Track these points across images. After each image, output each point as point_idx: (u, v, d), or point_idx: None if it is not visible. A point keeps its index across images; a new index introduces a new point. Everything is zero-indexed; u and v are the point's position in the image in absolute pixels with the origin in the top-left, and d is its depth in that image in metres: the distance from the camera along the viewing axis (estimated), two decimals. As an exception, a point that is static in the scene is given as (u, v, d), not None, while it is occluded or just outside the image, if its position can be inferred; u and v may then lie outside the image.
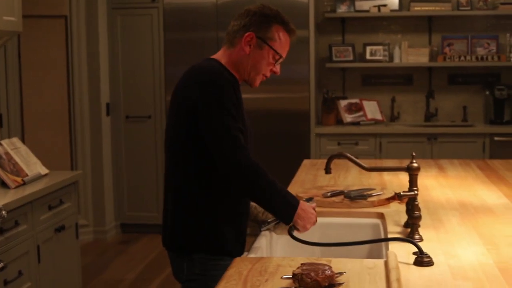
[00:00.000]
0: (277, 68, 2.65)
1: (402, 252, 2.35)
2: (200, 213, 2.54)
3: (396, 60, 6.54)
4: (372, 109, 6.61)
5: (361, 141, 6.29)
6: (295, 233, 2.53)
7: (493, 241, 2.50)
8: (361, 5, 6.53)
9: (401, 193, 2.55)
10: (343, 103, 6.62)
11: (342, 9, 6.55)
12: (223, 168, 2.44)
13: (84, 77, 6.28)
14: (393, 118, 6.69)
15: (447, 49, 6.49)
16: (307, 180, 3.79)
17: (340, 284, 1.98)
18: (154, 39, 6.41)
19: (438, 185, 3.60)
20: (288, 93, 6.33)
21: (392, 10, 6.48)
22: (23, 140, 5.91)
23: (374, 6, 6.47)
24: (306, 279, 1.93)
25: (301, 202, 2.54)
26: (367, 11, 6.50)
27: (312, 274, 1.93)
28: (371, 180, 3.73)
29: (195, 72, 2.55)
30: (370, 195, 3.15)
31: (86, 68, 6.29)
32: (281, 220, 2.55)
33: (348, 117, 6.55)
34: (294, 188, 3.55)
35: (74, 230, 4.23)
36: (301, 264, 2.02)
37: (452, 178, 3.80)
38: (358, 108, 6.60)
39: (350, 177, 3.83)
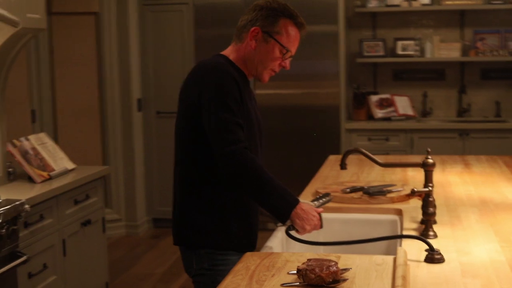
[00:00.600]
0: (286, 63, 2.63)
1: (415, 249, 2.34)
2: (206, 208, 2.55)
3: (428, 55, 6.48)
4: (403, 105, 6.56)
5: (391, 136, 6.24)
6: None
7: (509, 238, 2.47)
8: (392, 0, 6.47)
9: (415, 190, 2.53)
10: (374, 98, 6.58)
11: (373, 4, 6.50)
12: (219, 161, 2.45)
13: (115, 73, 6.34)
14: (425, 113, 6.63)
15: (479, 44, 6.41)
16: (330, 176, 3.78)
17: (345, 280, 1.98)
18: (185, 35, 6.45)
19: (461, 182, 3.56)
20: (318, 88, 6.31)
21: (423, 4, 6.42)
22: (55, 136, 6.02)
23: (405, 1, 6.41)
24: (310, 275, 1.93)
25: (303, 203, 2.48)
26: (398, 5, 6.44)
27: (317, 269, 1.93)
28: (394, 176, 3.71)
29: (199, 69, 2.56)
30: (390, 191, 3.13)
31: (117, 64, 6.35)
32: (277, 218, 2.48)
33: (379, 113, 6.51)
34: (315, 184, 3.55)
35: (101, 224, 4.28)
36: (308, 259, 2.02)
37: (476, 175, 3.75)
38: (389, 103, 6.55)
39: (373, 173, 3.81)
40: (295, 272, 2.00)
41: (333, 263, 1.97)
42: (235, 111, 2.46)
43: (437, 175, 3.76)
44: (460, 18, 6.53)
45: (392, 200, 3.06)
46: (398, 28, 6.65)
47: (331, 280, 1.93)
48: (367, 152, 2.71)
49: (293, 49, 2.63)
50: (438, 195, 3.19)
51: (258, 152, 2.66)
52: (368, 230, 2.91)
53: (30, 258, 3.32)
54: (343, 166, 2.86)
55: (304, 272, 1.94)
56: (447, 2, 6.40)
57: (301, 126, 6.32)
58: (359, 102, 6.56)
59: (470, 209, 2.94)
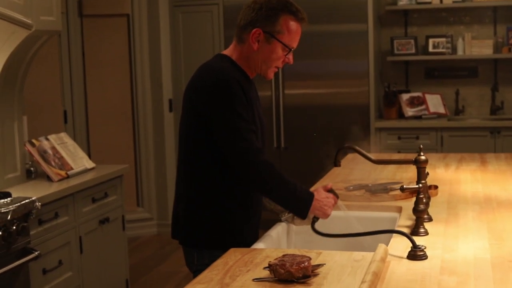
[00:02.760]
0: (290, 58, 2.65)
1: (403, 246, 2.33)
2: (211, 209, 2.60)
3: (460, 52, 6.39)
4: (435, 103, 6.48)
5: (422, 135, 6.18)
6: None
7: (500, 236, 2.44)
8: (423, -3, 6.41)
9: (404, 187, 2.52)
10: (405, 96, 6.52)
11: (403, 1, 6.44)
12: (239, 170, 2.51)
13: (147, 74, 6.43)
14: (457, 111, 6.53)
15: (512, 40, 6.29)
16: (342, 174, 3.77)
17: (316, 275, 1.99)
18: (215, 36, 6.50)
19: (472, 179, 3.52)
20: (348, 87, 6.27)
21: (454, 1, 6.33)
22: (87, 136, 6.14)
23: (436, -2, 6.35)
24: (280, 270, 1.94)
25: (315, 192, 2.60)
26: (429, 2, 6.38)
27: (287, 265, 1.94)
28: (406, 174, 3.67)
29: (204, 73, 2.59)
30: (393, 189, 3.12)
31: (149, 65, 6.44)
32: (298, 216, 2.62)
33: (409, 111, 6.45)
34: (324, 181, 3.56)
35: (120, 222, 4.35)
36: (283, 255, 2.04)
37: (489, 172, 3.70)
38: (421, 101, 6.48)
39: (385, 171, 3.78)
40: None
41: (306, 259, 1.98)
42: (246, 118, 2.50)
43: (449, 173, 3.73)
44: (492, 15, 6.43)
45: (395, 198, 3.05)
46: (429, 26, 6.58)
47: (300, 275, 1.94)
48: (360, 149, 2.72)
49: (294, 45, 2.65)
50: (443, 193, 3.17)
51: None
52: (368, 228, 2.89)
53: (42, 254, 3.40)
54: (336, 163, 2.86)
55: (274, 267, 1.96)
56: (479, -1, 6.31)
57: (331, 126, 6.30)
58: (389, 101, 6.51)
59: (471, 206, 2.90)
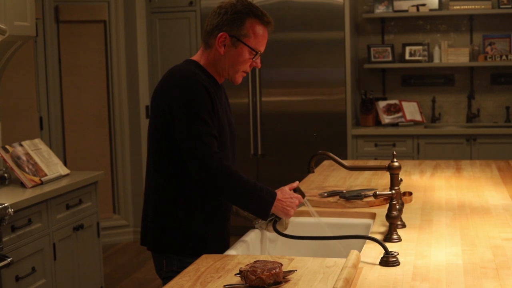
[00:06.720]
0: (257, 62, 2.65)
1: (376, 252, 2.33)
2: (181, 216, 2.57)
3: (436, 60, 6.43)
4: (411, 110, 6.52)
5: (398, 142, 6.20)
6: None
7: (473, 242, 2.45)
8: (399, 5, 6.44)
9: (377, 193, 2.52)
10: (381, 104, 6.54)
11: (380, 10, 6.48)
12: (195, 172, 2.48)
13: (123, 80, 6.40)
14: (434, 119, 6.57)
15: (488, 48, 6.34)
16: (316, 180, 3.77)
17: (287, 281, 1.98)
18: (192, 42, 6.48)
19: (447, 186, 3.53)
20: (325, 95, 6.28)
21: (431, 10, 6.38)
22: (63, 143, 6.10)
23: (413, 6, 6.38)
24: (251, 276, 1.93)
25: (279, 192, 2.56)
26: (406, 11, 6.41)
27: (258, 271, 1.93)
28: (381, 180, 3.69)
29: (171, 77, 2.58)
30: (367, 196, 3.12)
31: (125, 72, 6.41)
32: (259, 217, 2.59)
33: (386, 118, 6.48)
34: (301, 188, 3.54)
35: (95, 229, 4.31)
36: (254, 261, 2.02)
37: (464, 179, 3.72)
38: (397, 109, 6.51)
39: (361, 178, 3.79)
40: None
41: (277, 265, 1.97)
42: (208, 122, 2.48)
43: (424, 180, 3.74)
44: (468, 23, 6.48)
45: (369, 204, 3.05)
46: (406, 34, 6.62)
47: (271, 282, 1.93)
48: (333, 156, 2.71)
49: (262, 48, 2.64)
50: (417, 199, 3.18)
51: (229, 157, 2.67)
52: (341, 234, 2.89)
53: (15, 261, 3.37)
54: (309, 169, 2.85)
55: (245, 274, 1.95)
56: (455, 7, 6.35)
57: (308, 133, 6.31)
58: (366, 108, 6.54)
59: (445, 213, 2.91)
